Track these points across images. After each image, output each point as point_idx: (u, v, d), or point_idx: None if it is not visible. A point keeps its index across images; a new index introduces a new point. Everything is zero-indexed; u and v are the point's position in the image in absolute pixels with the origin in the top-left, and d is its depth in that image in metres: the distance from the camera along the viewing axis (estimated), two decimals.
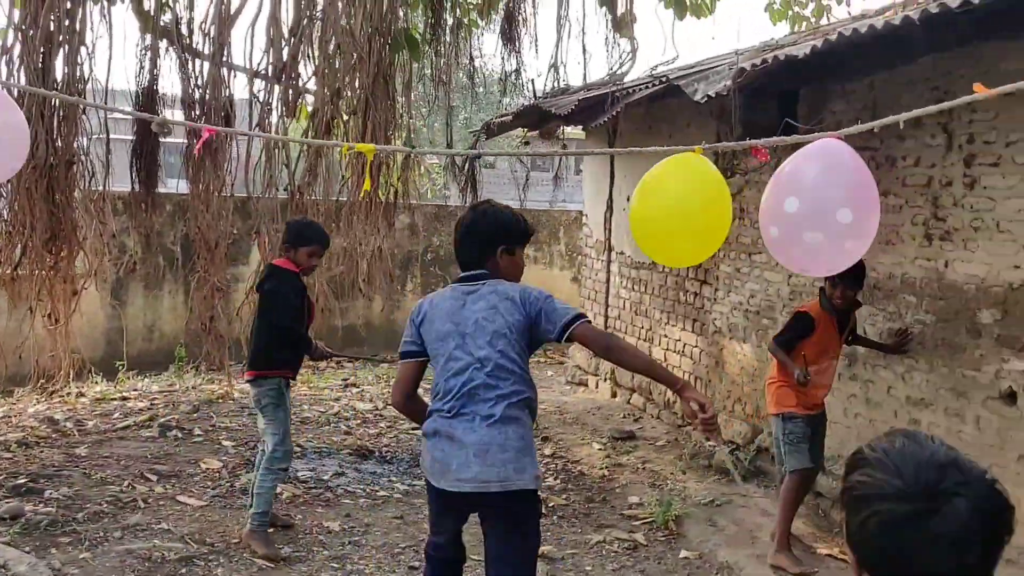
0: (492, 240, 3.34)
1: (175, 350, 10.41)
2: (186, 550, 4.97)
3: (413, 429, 7.82)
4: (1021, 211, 4.60)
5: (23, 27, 7.24)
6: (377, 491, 6.14)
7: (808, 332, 5.08)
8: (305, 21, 7.23)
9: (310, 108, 8.46)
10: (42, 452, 6.44)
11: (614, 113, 6.41)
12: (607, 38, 9.05)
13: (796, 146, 3.32)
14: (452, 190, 9.99)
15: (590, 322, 3.25)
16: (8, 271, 7.47)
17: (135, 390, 9.09)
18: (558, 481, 6.62)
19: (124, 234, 10.70)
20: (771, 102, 6.43)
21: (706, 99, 5.23)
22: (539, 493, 3.37)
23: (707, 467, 6.86)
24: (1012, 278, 4.63)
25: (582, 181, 10.88)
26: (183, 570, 4.76)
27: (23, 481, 5.68)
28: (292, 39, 7.38)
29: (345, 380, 9.93)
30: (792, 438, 5.09)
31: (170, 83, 9.06)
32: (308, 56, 7.33)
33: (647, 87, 6.15)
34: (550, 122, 8.82)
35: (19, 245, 7.45)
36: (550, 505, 5.97)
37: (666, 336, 8.32)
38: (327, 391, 9.31)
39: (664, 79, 5.88)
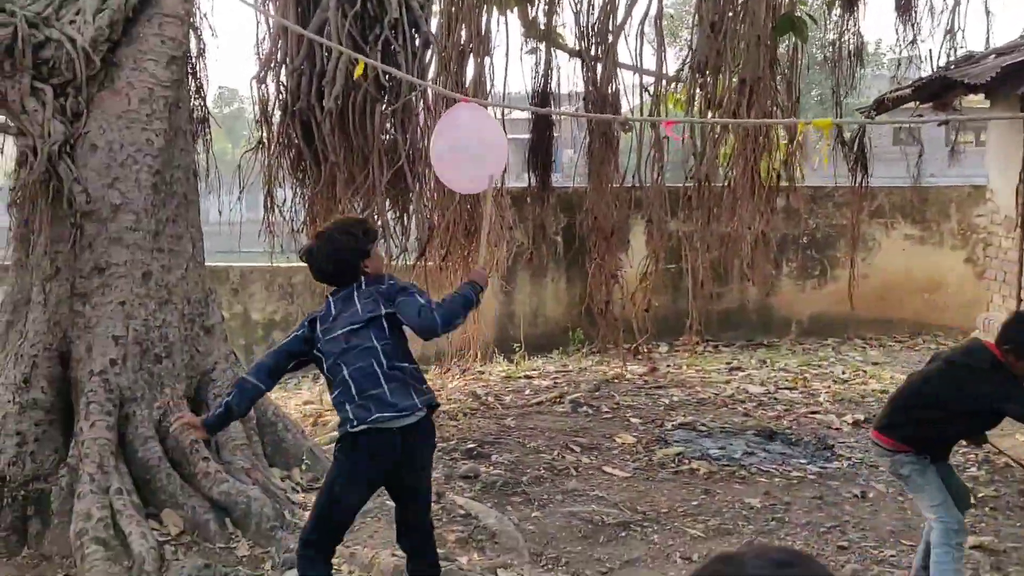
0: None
1: (558, 333, 11.15)
2: (621, 516, 5.38)
3: (811, 412, 7.80)
4: None
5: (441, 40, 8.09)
6: (790, 471, 6.20)
7: None
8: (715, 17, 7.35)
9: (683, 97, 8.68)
10: (479, 422, 7.25)
11: None
12: None
13: None
14: (840, 168, 9.65)
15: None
16: (437, 262, 8.45)
17: (534, 370, 9.86)
18: (982, 472, 6.28)
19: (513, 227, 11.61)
20: None
21: None
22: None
23: None
24: None
25: (985, 154, 10.09)
26: (623, 533, 5.17)
27: (472, 446, 6.46)
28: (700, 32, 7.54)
29: (728, 364, 10.05)
30: None
31: (556, 83, 9.43)
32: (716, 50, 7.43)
33: None
34: (953, 92, 8.30)
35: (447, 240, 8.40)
36: (979, 496, 5.69)
37: None
38: (714, 374, 9.48)
39: None
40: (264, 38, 6.91)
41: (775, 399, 8.25)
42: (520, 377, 9.40)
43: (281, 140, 6.68)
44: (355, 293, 3.71)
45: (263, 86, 6.57)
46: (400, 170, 6.27)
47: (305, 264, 3.92)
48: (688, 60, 7.57)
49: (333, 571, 3.87)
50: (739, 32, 7.18)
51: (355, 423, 3.53)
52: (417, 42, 6.23)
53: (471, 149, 4.20)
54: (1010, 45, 7.85)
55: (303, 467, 5.52)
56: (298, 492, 5.39)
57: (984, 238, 10.06)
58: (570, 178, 11.19)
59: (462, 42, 7.89)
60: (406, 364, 3.68)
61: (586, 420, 7.41)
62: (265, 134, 6.79)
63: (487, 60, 8.45)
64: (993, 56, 7.94)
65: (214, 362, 5.39)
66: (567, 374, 9.52)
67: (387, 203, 6.73)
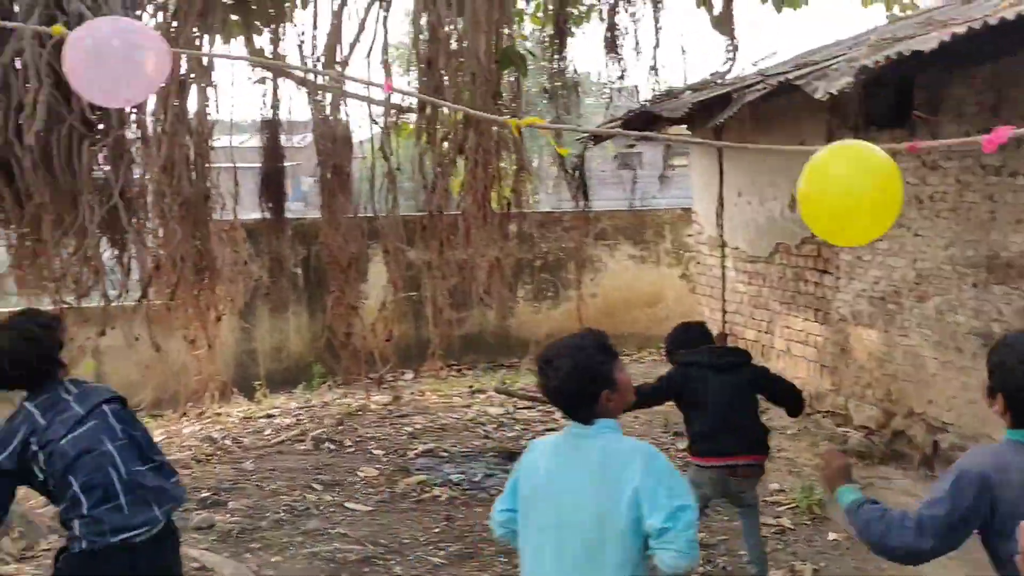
0: None
1: (302, 367, 10.98)
2: (364, 551, 5.37)
3: (548, 430, 8.15)
4: None
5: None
6: None
7: None
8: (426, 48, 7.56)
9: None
10: (215, 468, 6.97)
11: (731, 113, 6.59)
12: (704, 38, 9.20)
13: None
14: (565, 194, 10.23)
15: None
16: (165, 303, 8.04)
17: (276, 408, 9.62)
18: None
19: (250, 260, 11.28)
20: (887, 91, 6.53)
21: (827, 96, 5.38)
22: None
23: (842, 452, 6.97)
24: None
25: (690, 178, 11.04)
26: (365, 569, 5.17)
27: (207, 494, 6.20)
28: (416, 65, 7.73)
29: (471, 387, 10.30)
30: None
31: (288, 112, 9.32)
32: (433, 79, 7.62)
33: (764, 87, 6.32)
34: (658, 125, 9.02)
35: (173, 277, 8.02)
36: None
37: (787, 327, 8.44)
38: (456, 398, 9.68)
39: (783, 77, 6.04)
40: None
41: (514, 419, 8.57)
42: (261, 416, 9.13)
43: None
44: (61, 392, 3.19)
45: None
46: (115, 208, 5.92)
47: None
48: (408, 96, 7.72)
49: None
50: (459, 65, 7.43)
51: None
52: None
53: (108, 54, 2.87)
54: (701, 83, 8.67)
55: (15, 535, 5.06)
56: (8, 563, 4.94)
57: (693, 256, 10.98)
58: (313, 207, 11.03)
59: (182, 72, 7.62)
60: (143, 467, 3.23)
61: (328, 456, 7.33)
62: None
63: (210, 90, 8.22)
64: (689, 92, 8.73)
65: None
66: (310, 410, 9.37)
67: (102, 242, 6.33)
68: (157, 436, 7.38)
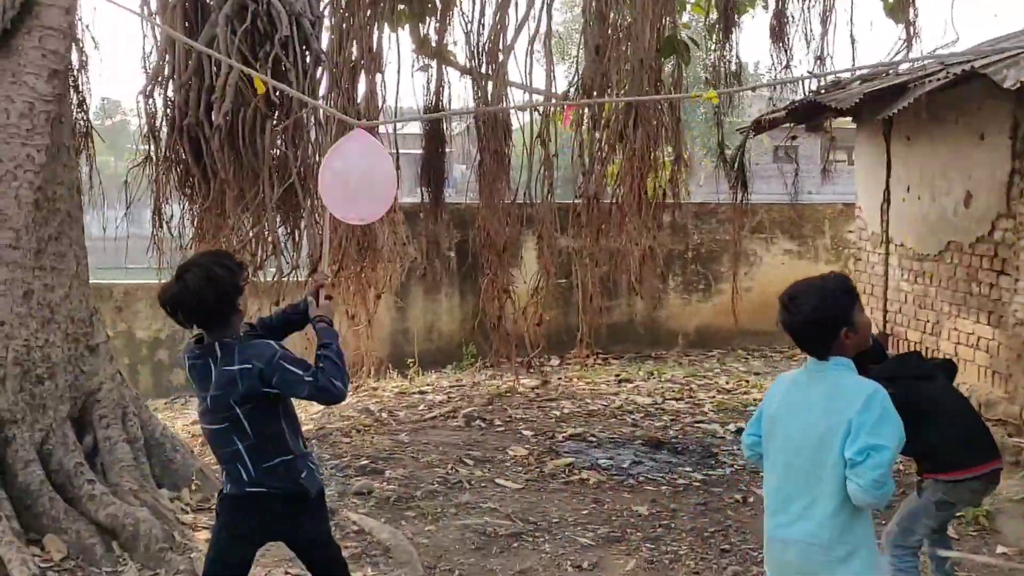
0: None
1: (452, 348, 11.26)
2: (514, 527, 5.49)
3: (696, 422, 8.09)
4: None
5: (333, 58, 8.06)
6: (676, 479, 6.44)
7: None
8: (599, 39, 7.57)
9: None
10: (372, 438, 7.26)
11: (906, 104, 6.33)
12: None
13: None
14: (722, 185, 10.10)
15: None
16: (331, 279, 8.41)
17: (428, 385, 9.91)
18: None
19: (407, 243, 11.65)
20: None
21: (1017, 85, 5.10)
22: None
23: (1014, 464, 6.62)
24: None
25: (854, 172, 10.67)
26: (515, 544, 5.28)
27: (366, 462, 6.48)
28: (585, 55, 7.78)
29: (617, 376, 10.31)
30: None
31: (448, 100, 9.57)
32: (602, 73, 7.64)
33: (946, 75, 6.04)
34: (823, 115, 8.77)
35: (338, 255, 8.39)
36: None
37: (956, 329, 8.05)
38: (603, 386, 9.72)
39: (968, 65, 5.75)
40: (151, 51, 6.81)
41: (662, 409, 8.53)
42: (414, 392, 9.43)
43: (169, 155, 6.57)
44: (212, 366, 3.24)
45: (150, 100, 6.46)
46: (291, 187, 6.25)
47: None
48: (575, 82, 7.79)
49: None
50: (624, 54, 7.43)
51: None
52: (308, 59, 6.22)
53: (352, 183, 3.95)
54: (873, 72, 8.35)
55: (192, 487, 5.44)
56: (187, 513, 5.31)
57: (854, 253, 10.60)
58: (462, 194, 11.30)
59: (353, 59, 7.92)
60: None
61: (479, 434, 7.51)
62: (152, 149, 6.67)
63: (379, 77, 8.51)
64: (859, 83, 8.43)
65: (100, 382, 5.26)
66: (461, 388, 9.61)
67: (278, 220, 6.69)
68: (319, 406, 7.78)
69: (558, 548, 5.24)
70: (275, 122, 6.11)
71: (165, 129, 6.72)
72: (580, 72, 7.78)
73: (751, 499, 6.03)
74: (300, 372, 3.18)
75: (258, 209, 6.25)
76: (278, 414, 3.30)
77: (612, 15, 7.58)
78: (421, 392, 9.43)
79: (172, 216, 7.23)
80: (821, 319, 2.90)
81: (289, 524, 3.35)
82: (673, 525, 5.61)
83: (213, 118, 6.20)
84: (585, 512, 5.78)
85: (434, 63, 9.88)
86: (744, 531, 5.51)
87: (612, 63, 7.35)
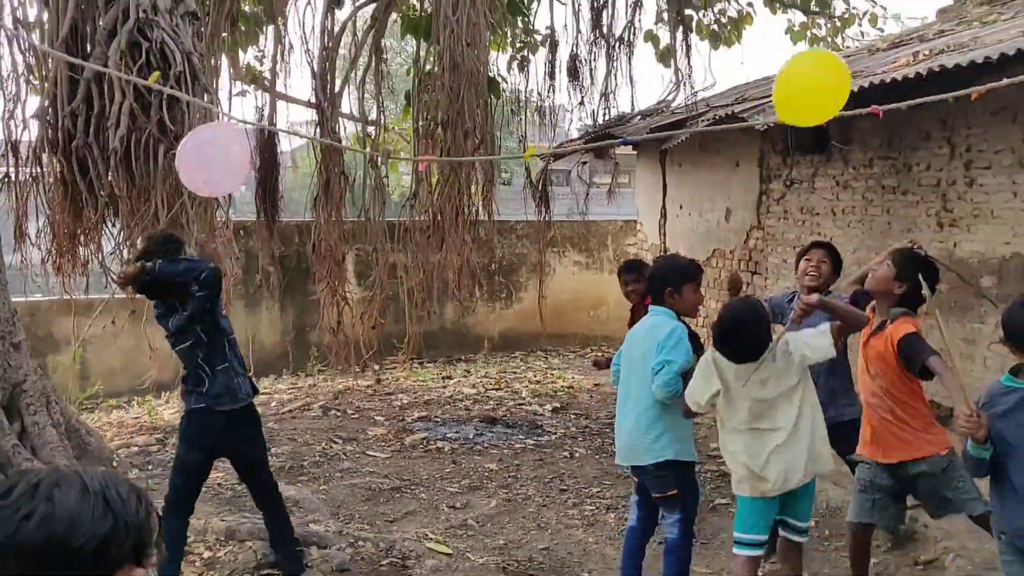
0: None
1: (275, 359, 12.13)
2: (392, 483, 6.62)
3: (519, 404, 9.49)
4: (1008, 202, 6.24)
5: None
6: (514, 444, 7.78)
7: None
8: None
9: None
10: None
11: (683, 139, 8.07)
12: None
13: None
14: (528, 205, 11.63)
15: None
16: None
17: (266, 389, 10.70)
18: None
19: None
20: None
21: (764, 127, 6.87)
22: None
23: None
24: (1004, 252, 6.28)
25: (636, 193, 12.54)
26: (397, 495, 6.42)
27: None
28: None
29: (439, 374, 11.56)
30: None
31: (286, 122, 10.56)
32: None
33: (714, 117, 7.81)
34: (612, 146, 10.49)
35: None
36: None
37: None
38: (430, 382, 10.93)
39: (730, 109, 7.52)
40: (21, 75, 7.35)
41: (488, 397, 9.87)
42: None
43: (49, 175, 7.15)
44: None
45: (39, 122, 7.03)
46: (183, 206, 7.02)
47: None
48: (427, 117, 9.01)
49: None
50: (465, 93, 8.77)
51: None
52: (197, 93, 7.05)
53: (207, 154, 3.87)
54: (648, 109, 10.18)
55: (113, 466, 6.16)
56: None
57: None
58: (289, 213, 12.14)
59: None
60: None
61: (338, 420, 8.53)
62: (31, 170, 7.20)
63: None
64: (639, 117, 10.23)
65: (24, 375, 5.88)
66: (301, 389, 10.51)
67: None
68: (168, 412, 8.49)
69: (432, 496, 6.43)
70: (168, 148, 6.86)
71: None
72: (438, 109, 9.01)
73: (576, 455, 7.47)
74: None
75: (151, 222, 6.96)
76: None
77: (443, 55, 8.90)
78: (266, 394, 10.22)
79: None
80: (658, 278, 4.46)
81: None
82: (519, 476, 6.94)
83: (101, 140, 6.88)
84: (448, 471, 7.00)
85: (257, 90, 10.88)
86: (575, 476, 6.92)
87: (462, 102, 8.64)
